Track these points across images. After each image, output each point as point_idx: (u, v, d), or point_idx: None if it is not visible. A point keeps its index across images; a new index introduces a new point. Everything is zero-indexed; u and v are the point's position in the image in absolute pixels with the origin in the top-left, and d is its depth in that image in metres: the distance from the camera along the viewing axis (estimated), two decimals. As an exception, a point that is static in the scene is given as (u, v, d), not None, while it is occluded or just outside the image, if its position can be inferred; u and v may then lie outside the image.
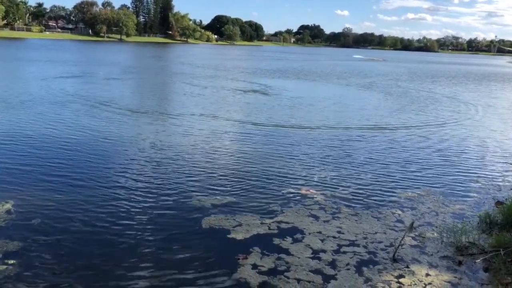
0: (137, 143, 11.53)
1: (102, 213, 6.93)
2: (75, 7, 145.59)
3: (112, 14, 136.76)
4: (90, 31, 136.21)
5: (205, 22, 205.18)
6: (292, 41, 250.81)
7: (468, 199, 8.40)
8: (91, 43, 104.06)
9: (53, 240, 5.99)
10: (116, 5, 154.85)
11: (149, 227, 6.54)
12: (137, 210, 7.13)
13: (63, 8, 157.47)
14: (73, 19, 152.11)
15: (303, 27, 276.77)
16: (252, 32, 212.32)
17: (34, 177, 8.51)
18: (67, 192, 7.78)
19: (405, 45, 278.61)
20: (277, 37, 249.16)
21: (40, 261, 5.41)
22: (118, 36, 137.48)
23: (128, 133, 12.78)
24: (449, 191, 8.81)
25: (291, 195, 8.14)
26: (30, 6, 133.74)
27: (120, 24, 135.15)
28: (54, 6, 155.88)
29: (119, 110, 16.61)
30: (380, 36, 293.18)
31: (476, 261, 5.81)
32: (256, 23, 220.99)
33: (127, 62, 48.01)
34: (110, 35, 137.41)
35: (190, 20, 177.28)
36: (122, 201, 7.44)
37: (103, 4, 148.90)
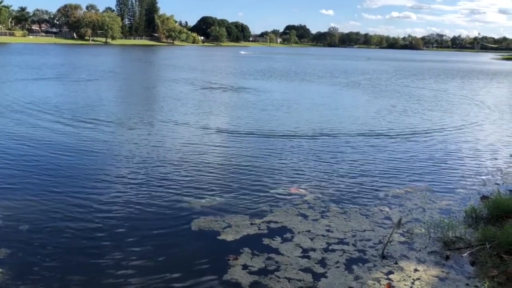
0: (123, 149, 11.45)
1: (89, 218, 6.87)
2: (58, 10, 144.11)
3: (97, 17, 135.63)
4: (74, 34, 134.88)
5: (191, 23, 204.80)
6: (278, 41, 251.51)
7: (454, 194, 8.52)
8: (75, 47, 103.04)
9: (41, 246, 5.91)
10: (101, 8, 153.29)
11: (137, 230, 6.51)
12: (126, 214, 7.09)
13: (47, 12, 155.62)
14: (57, 22, 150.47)
15: (289, 27, 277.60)
16: (238, 33, 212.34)
17: (21, 183, 8.40)
18: (55, 198, 7.69)
19: (390, 44, 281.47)
20: (264, 37, 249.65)
21: (27, 268, 5.35)
22: (104, 39, 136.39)
23: (113, 139, 12.67)
24: (435, 187, 8.93)
25: (280, 194, 8.17)
26: (13, 10, 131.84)
27: (105, 27, 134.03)
28: (37, 9, 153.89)
29: (101, 115, 16.48)
30: (366, 35, 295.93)
31: (463, 255, 5.90)
32: (242, 24, 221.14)
33: (110, 65, 47.63)
34: (95, 39, 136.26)
35: (176, 22, 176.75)
36: (110, 206, 7.38)
37: (87, 7, 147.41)
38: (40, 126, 13.78)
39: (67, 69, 38.91)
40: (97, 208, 7.26)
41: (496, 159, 11.47)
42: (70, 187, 8.26)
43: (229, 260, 5.65)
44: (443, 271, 5.54)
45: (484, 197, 8.12)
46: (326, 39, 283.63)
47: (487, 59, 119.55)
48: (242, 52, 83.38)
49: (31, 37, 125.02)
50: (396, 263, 5.72)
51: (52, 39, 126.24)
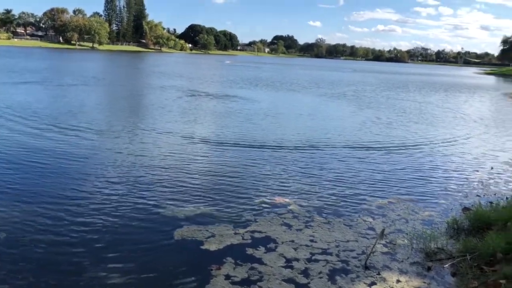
0: (104, 157, 11.31)
1: (70, 226, 6.74)
2: (45, 14, 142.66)
3: (84, 22, 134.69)
4: (60, 38, 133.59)
5: (179, 31, 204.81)
6: (266, 51, 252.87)
7: (436, 206, 8.62)
8: (61, 51, 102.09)
9: (19, 255, 5.78)
10: (88, 13, 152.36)
11: (119, 239, 6.41)
12: (108, 222, 6.98)
13: (33, 15, 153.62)
14: (43, 26, 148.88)
15: (277, 37, 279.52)
16: (226, 41, 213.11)
17: None
18: (30, 209, 7.50)
19: (376, 56, 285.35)
20: (251, 46, 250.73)
21: (5, 277, 5.21)
22: (90, 44, 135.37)
23: (93, 147, 12.47)
24: (418, 198, 9.02)
25: (265, 204, 8.15)
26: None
27: (92, 32, 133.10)
28: (23, 12, 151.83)
29: (82, 122, 16.30)
30: (352, 47, 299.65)
31: (444, 266, 5.96)
32: (230, 33, 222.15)
33: (96, 71, 47.24)
34: (81, 43, 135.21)
35: (164, 28, 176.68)
36: (92, 214, 7.26)
37: (74, 11, 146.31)
38: (17, 132, 13.54)
39: (50, 73, 38.44)
40: (75, 219, 7.09)
41: (477, 171, 11.66)
42: (46, 197, 8.06)
43: (212, 270, 5.60)
44: (424, 282, 5.58)
45: (465, 209, 8.23)
46: (313, 50, 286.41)
47: (470, 73, 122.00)
48: (227, 62, 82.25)
49: (16, 40, 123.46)
50: (378, 273, 5.74)
51: (38, 43, 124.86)
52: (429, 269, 5.89)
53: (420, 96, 36.10)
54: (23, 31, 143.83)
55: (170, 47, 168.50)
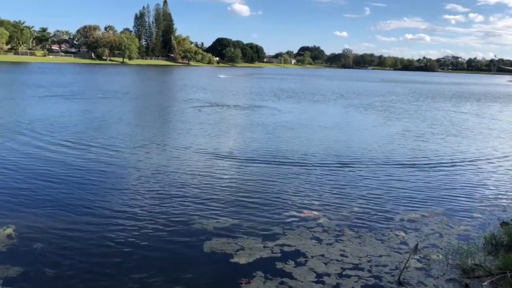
0: (136, 171, 11.50)
1: (103, 239, 6.87)
2: (78, 31, 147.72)
3: (115, 38, 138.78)
4: (92, 54, 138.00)
5: (207, 44, 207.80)
6: (292, 63, 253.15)
7: (472, 220, 8.32)
8: (92, 66, 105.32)
9: (55, 265, 5.92)
10: (119, 29, 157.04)
11: (150, 252, 6.48)
12: (138, 235, 7.07)
13: (67, 32, 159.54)
14: (76, 43, 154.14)
15: (303, 49, 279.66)
16: (253, 54, 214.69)
17: (36, 203, 8.49)
18: (68, 218, 7.74)
19: (405, 65, 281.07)
20: (278, 58, 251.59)
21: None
22: (121, 59, 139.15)
23: (125, 162, 12.65)
24: (452, 212, 8.73)
25: (293, 218, 8.08)
26: (34, 30, 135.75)
27: (123, 47, 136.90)
28: (58, 30, 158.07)
29: (111, 137, 16.67)
30: (380, 57, 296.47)
31: (483, 284, 5.71)
32: (257, 45, 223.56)
33: (124, 84, 48.37)
34: (112, 58, 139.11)
35: (192, 42, 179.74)
36: (123, 227, 7.39)
37: (105, 28, 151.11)
38: (39, 148, 13.96)
39: (76, 87, 39.59)
40: (105, 234, 7.23)
41: (515, 184, 11.20)
42: (83, 207, 8.31)
43: (241, 284, 5.57)
44: (462, 300, 5.36)
45: (504, 223, 7.90)
46: (340, 61, 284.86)
47: (505, 81, 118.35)
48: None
49: (50, 56, 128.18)
50: (413, 290, 5.56)
51: (71, 59, 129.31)
52: (466, 286, 5.66)
53: (452, 106, 35.22)
54: (57, 48, 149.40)
55: (198, 61, 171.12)
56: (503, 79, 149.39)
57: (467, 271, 6.06)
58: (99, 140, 14.88)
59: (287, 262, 6.20)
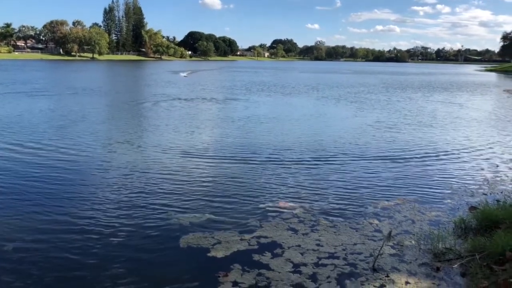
0: (106, 170, 11.28)
1: (74, 239, 6.72)
2: (44, 26, 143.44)
3: (84, 33, 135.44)
4: (61, 50, 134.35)
5: (179, 38, 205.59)
6: (266, 55, 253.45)
7: (442, 205, 8.57)
8: (60, 62, 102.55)
9: (26, 263, 5.76)
10: (88, 24, 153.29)
11: (125, 247, 6.39)
12: (113, 231, 6.96)
13: (33, 28, 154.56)
14: (43, 38, 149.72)
15: (276, 41, 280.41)
16: (226, 47, 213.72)
17: (4, 202, 8.22)
18: (36, 218, 7.52)
19: (376, 56, 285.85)
20: (251, 51, 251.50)
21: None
22: (90, 55, 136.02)
23: (94, 161, 12.39)
24: (424, 199, 8.96)
25: (269, 210, 8.12)
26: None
27: (92, 43, 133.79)
28: (23, 26, 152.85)
29: (77, 136, 16.32)
30: (352, 48, 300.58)
31: (453, 266, 5.90)
32: (229, 39, 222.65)
33: (93, 81, 47.37)
34: (82, 54, 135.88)
35: (163, 37, 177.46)
36: (97, 222, 7.25)
37: (73, 23, 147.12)
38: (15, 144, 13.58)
39: (40, 84, 38.51)
40: (79, 228, 7.11)
41: (483, 169, 11.58)
42: (51, 206, 8.09)
43: (219, 277, 5.57)
44: (434, 283, 5.52)
45: (472, 208, 8.17)
46: (313, 53, 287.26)
47: (471, 71, 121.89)
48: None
49: (16, 53, 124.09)
50: (387, 276, 5.69)
51: (38, 55, 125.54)
52: (438, 269, 5.84)
53: (422, 96, 36.05)
54: (23, 44, 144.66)
55: (170, 55, 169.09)
56: (469, 68, 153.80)
57: (438, 255, 6.24)
58: (64, 140, 14.50)
59: (264, 254, 6.23)
